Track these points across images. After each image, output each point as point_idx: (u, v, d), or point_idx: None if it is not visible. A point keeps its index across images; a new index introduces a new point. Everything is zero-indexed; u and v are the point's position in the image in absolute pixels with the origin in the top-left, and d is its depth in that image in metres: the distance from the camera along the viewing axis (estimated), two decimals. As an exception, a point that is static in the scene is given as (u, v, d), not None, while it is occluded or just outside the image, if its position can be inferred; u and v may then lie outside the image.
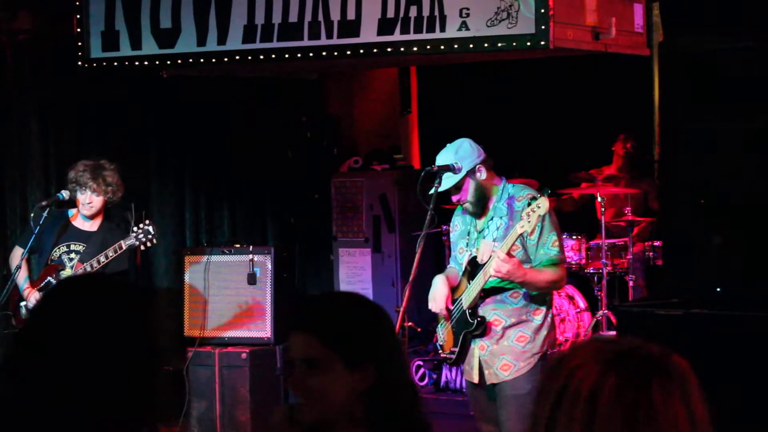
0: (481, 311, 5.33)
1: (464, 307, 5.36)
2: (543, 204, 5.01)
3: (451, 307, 5.44)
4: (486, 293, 5.30)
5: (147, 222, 6.74)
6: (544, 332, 5.34)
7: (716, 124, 6.06)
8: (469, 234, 5.46)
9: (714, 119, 6.07)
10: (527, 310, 5.32)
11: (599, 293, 8.40)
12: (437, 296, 5.43)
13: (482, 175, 5.32)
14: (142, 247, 6.75)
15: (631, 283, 8.44)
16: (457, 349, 5.42)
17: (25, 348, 2.30)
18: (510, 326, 5.31)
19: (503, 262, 5.04)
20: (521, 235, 5.08)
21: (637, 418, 1.78)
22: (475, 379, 5.41)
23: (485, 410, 5.46)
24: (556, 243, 5.22)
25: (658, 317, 6.03)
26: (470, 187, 5.34)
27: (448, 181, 5.33)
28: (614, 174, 8.92)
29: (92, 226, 6.91)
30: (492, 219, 5.36)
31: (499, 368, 5.31)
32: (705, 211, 6.09)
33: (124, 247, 6.67)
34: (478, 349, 5.37)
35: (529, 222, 5.02)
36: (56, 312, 2.30)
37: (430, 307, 5.51)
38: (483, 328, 5.31)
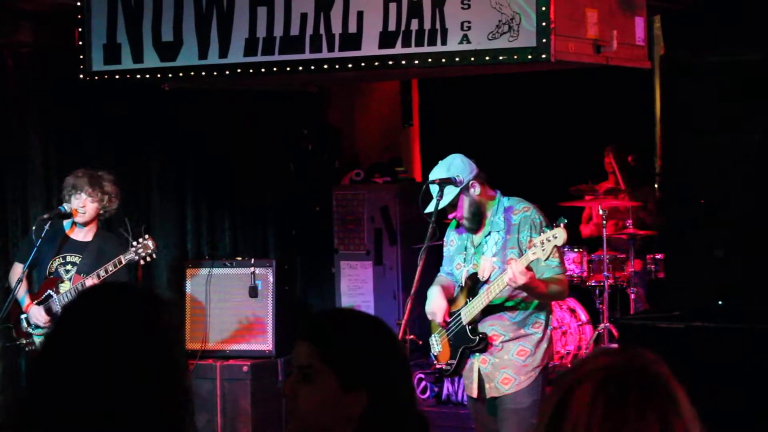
0: (480, 327, 5.33)
1: (464, 323, 5.36)
2: (560, 235, 5.02)
3: (449, 320, 5.44)
4: (488, 310, 5.30)
5: (146, 237, 6.73)
6: (544, 345, 5.34)
7: (717, 136, 6.07)
8: (465, 249, 5.47)
9: (715, 131, 6.08)
10: (525, 325, 5.33)
11: (601, 306, 8.39)
12: (436, 310, 5.43)
13: (476, 190, 5.33)
14: (142, 262, 6.74)
15: (632, 296, 8.43)
16: (454, 362, 5.41)
17: (48, 357, 2.29)
18: (508, 340, 5.32)
19: (521, 275, 5.03)
20: (532, 261, 5.09)
21: None
22: (475, 394, 5.41)
23: (486, 424, 5.45)
24: (556, 255, 5.22)
25: (659, 330, 6.03)
26: (465, 203, 5.35)
27: (442, 200, 5.34)
28: (614, 187, 8.92)
29: (86, 236, 6.90)
30: (489, 234, 5.36)
31: (500, 382, 5.31)
32: (706, 223, 6.09)
33: (123, 262, 6.66)
34: (479, 362, 5.37)
35: (543, 250, 5.04)
36: (77, 322, 2.29)
37: (429, 317, 5.51)
38: (485, 344, 5.32)
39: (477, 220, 5.39)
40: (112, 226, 7.57)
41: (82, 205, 6.79)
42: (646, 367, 1.90)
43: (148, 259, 6.75)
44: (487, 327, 5.33)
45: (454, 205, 5.35)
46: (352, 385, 2.46)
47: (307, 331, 2.55)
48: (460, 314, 5.38)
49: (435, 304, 5.44)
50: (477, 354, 5.36)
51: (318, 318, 2.66)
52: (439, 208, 5.36)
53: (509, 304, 5.30)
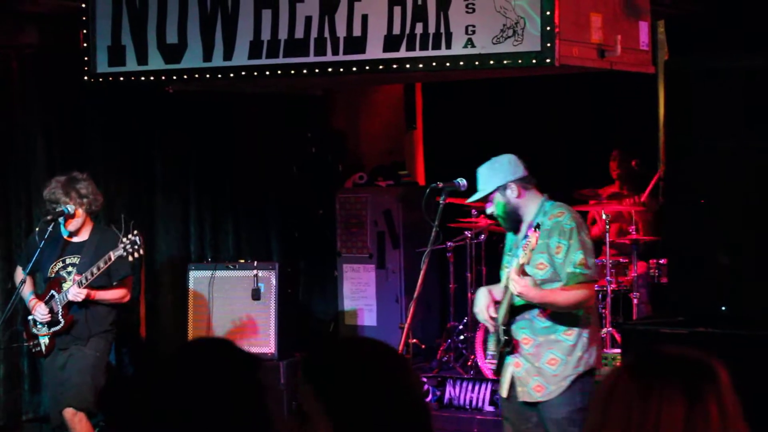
0: (513, 328, 5.33)
1: (499, 323, 5.38)
2: (531, 239, 5.04)
3: (494, 319, 5.47)
4: (516, 311, 5.30)
5: (135, 233, 6.74)
6: (577, 353, 5.26)
7: (721, 141, 6.06)
8: (511, 250, 5.49)
9: (719, 137, 6.07)
10: (556, 330, 5.28)
11: (603, 311, 8.38)
12: (477, 310, 5.47)
13: (512, 192, 5.33)
14: (130, 258, 6.75)
15: (635, 301, 8.42)
16: (496, 362, 5.45)
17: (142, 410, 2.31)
18: (541, 345, 5.29)
19: (514, 282, 5.04)
20: (522, 265, 5.08)
21: (631, 416, 1.98)
22: (504, 394, 5.43)
23: (515, 423, 5.45)
24: (582, 261, 5.17)
25: (662, 335, 6.03)
26: (495, 201, 5.36)
27: (475, 195, 5.41)
28: (618, 191, 8.91)
29: (82, 236, 6.92)
30: (526, 237, 5.36)
31: (532, 388, 5.30)
32: (710, 229, 6.09)
33: (113, 258, 6.69)
34: (513, 366, 5.37)
35: (524, 255, 5.05)
36: (176, 376, 2.32)
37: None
38: (511, 347, 5.32)
39: (511, 221, 5.40)
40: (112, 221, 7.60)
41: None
42: (679, 354, 2.04)
43: (136, 255, 6.76)
44: (519, 330, 5.32)
45: (486, 199, 5.40)
46: (345, 427, 2.30)
47: (308, 370, 2.38)
48: (498, 315, 5.41)
49: (478, 303, 5.47)
50: (511, 357, 5.36)
51: (321, 358, 2.43)
52: (473, 200, 5.43)
53: (539, 307, 5.29)
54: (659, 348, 2.09)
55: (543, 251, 5.20)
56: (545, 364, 5.27)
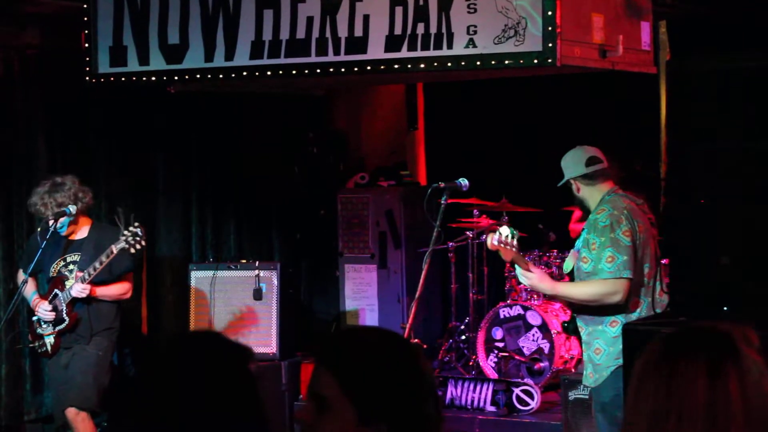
0: (576, 317, 5.54)
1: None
2: (488, 240, 5.35)
3: None
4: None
5: (136, 224, 6.76)
6: (619, 345, 5.35)
7: (723, 142, 6.06)
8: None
9: (721, 138, 6.07)
10: (603, 321, 5.43)
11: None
12: None
13: (573, 188, 5.58)
14: (132, 250, 6.75)
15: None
16: None
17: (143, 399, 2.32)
18: (590, 333, 5.47)
19: (522, 276, 5.30)
20: (525, 265, 5.37)
21: (659, 389, 2.01)
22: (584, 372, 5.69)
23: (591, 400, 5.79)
24: (610, 258, 5.31)
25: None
26: (574, 192, 5.60)
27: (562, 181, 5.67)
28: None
29: (81, 233, 6.94)
30: (584, 229, 5.54)
31: (588, 373, 5.52)
32: (712, 230, 6.08)
33: (115, 251, 6.70)
34: (583, 350, 5.60)
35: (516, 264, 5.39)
36: (168, 369, 2.32)
37: None
38: (569, 333, 5.62)
39: (584, 209, 5.65)
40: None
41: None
42: (707, 327, 2.07)
43: (138, 246, 6.76)
44: (577, 318, 5.52)
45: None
46: (371, 419, 2.29)
47: (328, 357, 2.35)
48: None
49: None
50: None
51: (340, 344, 2.40)
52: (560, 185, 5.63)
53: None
54: (688, 326, 2.12)
55: (585, 246, 5.40)
56: (593, 353, 5.47)
